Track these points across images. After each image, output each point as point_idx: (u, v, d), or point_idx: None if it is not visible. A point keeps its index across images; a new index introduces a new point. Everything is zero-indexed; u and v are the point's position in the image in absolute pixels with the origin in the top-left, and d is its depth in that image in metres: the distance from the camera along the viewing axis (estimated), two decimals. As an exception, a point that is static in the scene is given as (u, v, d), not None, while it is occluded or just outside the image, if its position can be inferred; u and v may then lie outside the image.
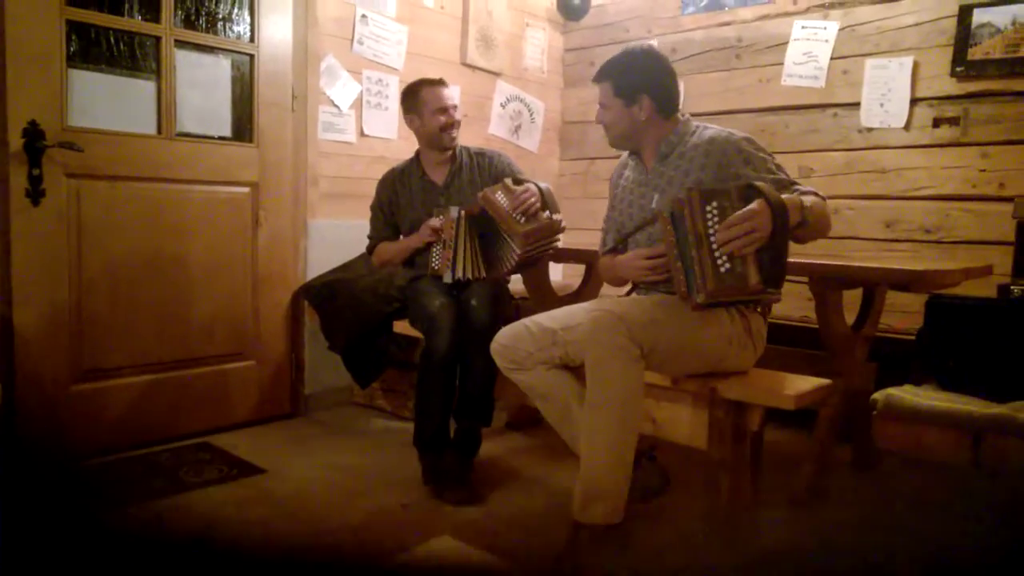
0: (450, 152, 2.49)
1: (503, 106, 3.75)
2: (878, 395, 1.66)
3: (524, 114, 3.88)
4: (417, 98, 2.42)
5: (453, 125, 2.43)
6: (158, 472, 2.34)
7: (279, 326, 2.94)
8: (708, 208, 1.62)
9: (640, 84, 1.89)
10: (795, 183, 1.81)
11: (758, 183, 1.64)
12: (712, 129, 1.91)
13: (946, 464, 1.56)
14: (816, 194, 1.77)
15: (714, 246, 1.60)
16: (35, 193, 2.28)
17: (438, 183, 2.48)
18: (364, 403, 3.11)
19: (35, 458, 2.29)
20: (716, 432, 1.82)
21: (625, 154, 2.09)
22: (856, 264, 2.10)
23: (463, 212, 2.32)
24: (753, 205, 1.59)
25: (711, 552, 1.84)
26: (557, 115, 4.11)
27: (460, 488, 2.16)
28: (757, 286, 1.58)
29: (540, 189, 2.29)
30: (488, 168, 2.51)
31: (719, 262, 1.60)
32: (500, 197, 2.24)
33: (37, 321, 2.31)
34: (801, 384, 1.81)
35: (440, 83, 2.46)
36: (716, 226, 1.61)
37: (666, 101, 1.91)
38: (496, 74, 3.69)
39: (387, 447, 2.63)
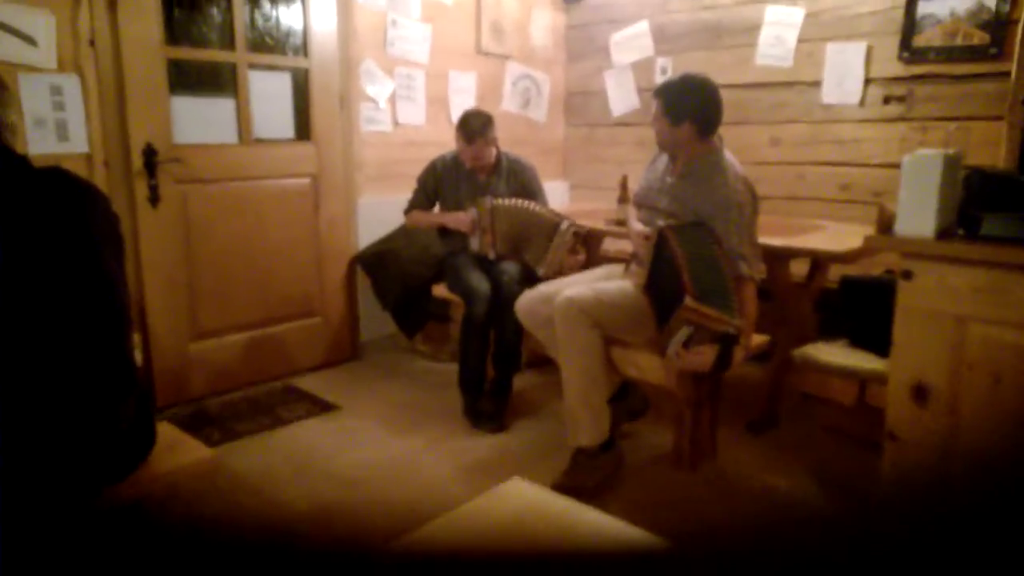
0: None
1: (514, 84, 4.26)
2: (795, 353, 2.32)
3: (532, 90, 4.38)
4: (457, 136, 2.97)
5: (478, 169, 3.01)
6: (260, 410, 3.06)
7: (339, 289, 3.60)
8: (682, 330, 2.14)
9: (686, 111, 2.27)
10: (752, 263, 2.26)
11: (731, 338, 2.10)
12: (722, 175, 2.27)
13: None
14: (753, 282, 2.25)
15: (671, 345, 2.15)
16: (154, 198, 2.90)
17: (481, 177, 3.06)
18: (408, 348, 3.81)
19: (168, 400, 3.03)
20: (680, 377, 2.48)
21: None
22: (795, 246, 2.71)
23: (494, 203, 2.91)
24: (707, 351, 2.09)
25: (680, 466, 2.54)
26: (561, 87, 4.59)
27: (492, 422, 2.85)
28: None
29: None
30: (521, 176, 3.10)
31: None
32: (567, 243, 2.89)
33: (162, 297, 2.98)
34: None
35: (471, 139, 2.89)
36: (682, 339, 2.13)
37: (705, 126, 2.30)
38: (507, 57, 4.18)
39: (431, 386, 3.33)
